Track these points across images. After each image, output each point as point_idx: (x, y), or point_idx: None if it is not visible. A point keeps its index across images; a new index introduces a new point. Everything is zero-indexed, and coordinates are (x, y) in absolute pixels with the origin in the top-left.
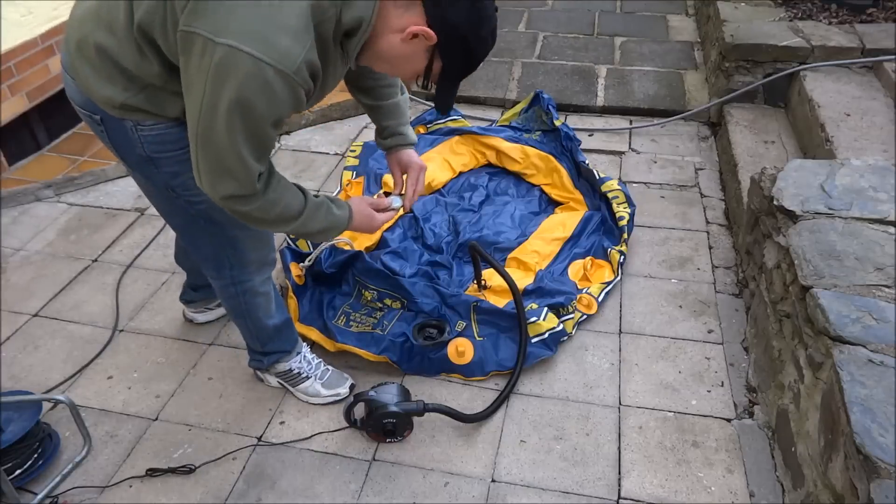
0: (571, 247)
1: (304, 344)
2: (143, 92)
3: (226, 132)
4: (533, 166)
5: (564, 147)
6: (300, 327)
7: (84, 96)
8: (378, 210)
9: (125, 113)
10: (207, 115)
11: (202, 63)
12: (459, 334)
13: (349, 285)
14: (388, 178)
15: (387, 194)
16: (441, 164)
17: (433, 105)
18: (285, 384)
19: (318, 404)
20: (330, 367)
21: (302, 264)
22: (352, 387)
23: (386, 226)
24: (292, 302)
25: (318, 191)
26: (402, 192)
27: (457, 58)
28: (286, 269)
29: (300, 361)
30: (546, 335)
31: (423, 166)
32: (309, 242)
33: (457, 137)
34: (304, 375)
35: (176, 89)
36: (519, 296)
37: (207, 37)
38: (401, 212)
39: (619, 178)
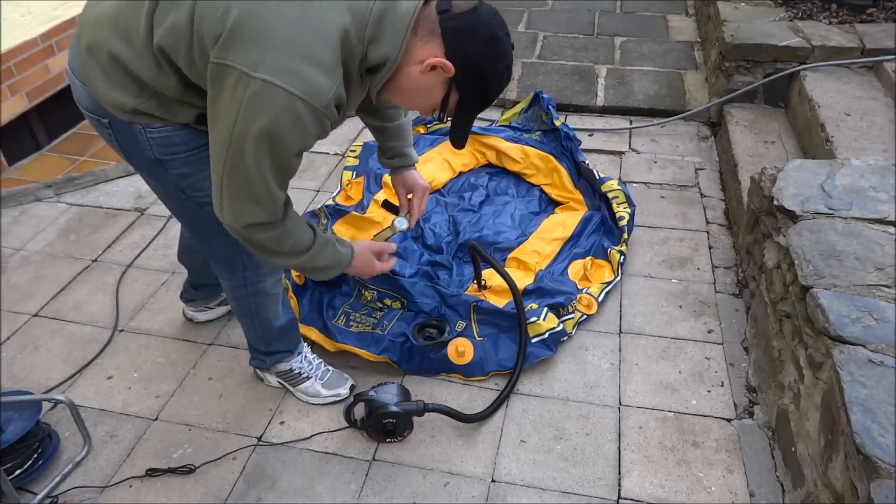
0: (571, 247)
1: (305, 344)
2: (155, 98)
3: (254, 161)
4: (533, 166)
5: (564, 147)
6: (300, 327)
7: (92, 99)
8: (380, 254)
9: (135, 117)
10: (238, 145)
11: (235, 95)
12: (459, 334)
13: (349, 285)
14: (387, 179)
15: (388, 205)
16: (441, 163)
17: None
18: (285, 384)
19: (319, 405)
20: (331, 368)
21: None
22: (352, 387)
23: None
24: (292, 301)
25: (318, 190)
26: (408, 212)
27: (473, 91)
28: (286, 269)
29: (301, 361)
30: (546, 335)
31: (427, 187)
32: None
33: None
34: (304, 375)
35: (190, 101)
36: (519, 296)
37: (243, 70)
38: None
39: (619, 178)
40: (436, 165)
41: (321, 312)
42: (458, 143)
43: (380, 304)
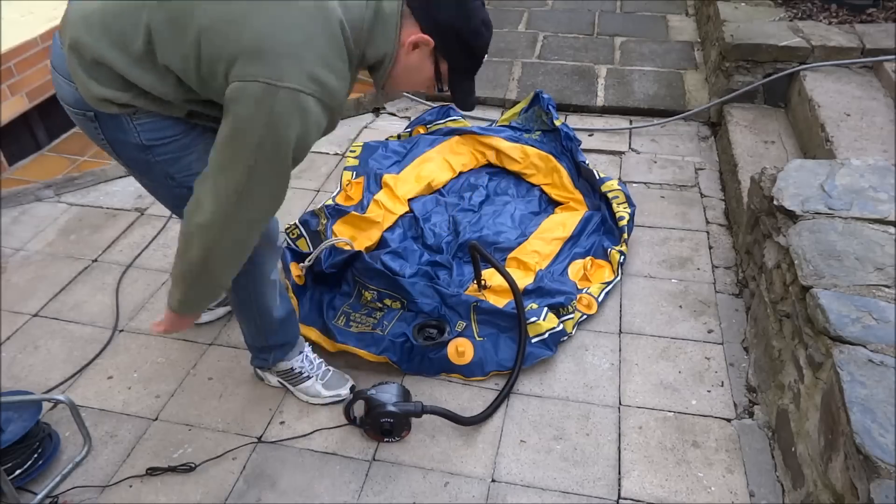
0: (571, 247)
1: (307, 343)
2: (147, 97)
3: (285, 165)
4: (533, 166)
5: (564, 147)
6: (300, 327)
7: (77, 95)
8: None
9: (123, 110)
10: (272, 153)
11: (262, 106)
12: (459, 334)
13: (349, 285)
14: (387, 179)
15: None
16: (441, 163)
17: (435, 105)
18: (286, 383)
19: (319, 405)
20: (331, 368)
21: (302, 264)
22: (352, 388)
23: (386, 225)
24: (293, 302)
25: (318, 190)
26: None
27: (458, 54)
28: (286, 269)
29: (302, 361)
30: (546, 335)
31: None
32: (309, 242)
33: (457, 137)
34: (305, 375)
35: (187, 97)
36: (519, 296)
37: (269, 83)
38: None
39: (619, 178)
40: (436, 165)
41: (321, 312)
42: (465, 106)
43: (380, 305)
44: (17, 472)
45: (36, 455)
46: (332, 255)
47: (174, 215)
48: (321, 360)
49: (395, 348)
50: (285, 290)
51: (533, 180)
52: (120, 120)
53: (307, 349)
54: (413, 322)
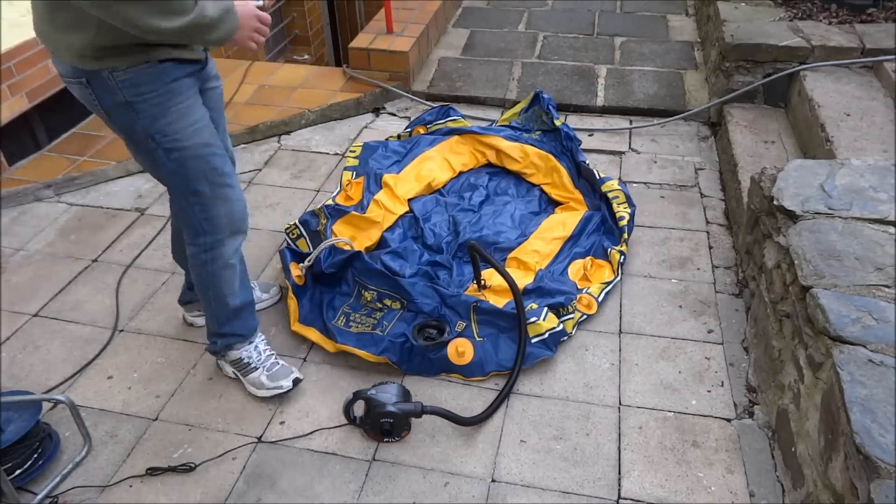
0: (572, 246)
1: (261, 335)
2: (100, 29)
3: None
4: (533, 165)
5: (564, 147)
6: (300, 328)
7: (68, 66)
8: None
9: (101, 61)
10: None
11: None
12: (459, 334)
13: (349, 285)
14: (387, 178)
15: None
16: (441, 163)
17: (435, 105)
18: (238, 374)
19: (262, 397)
20: (280, 361)
21: (301, 265)
22: (295, 381)
23: (386, 225)
24: (292, 303)
25: (318, 190)
26: None
27: None
28: (286, 270)
29: (250, 351)
30: (546, 335)
31: None
32: (308, 242)
33: (456, 137)
34: (252, 366)
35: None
36: (519, 296)
37: None
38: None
39: (619, 178)
40: (436, 164)
41: (321, 313)
42: None
43: (379, 305)
44: (17, 472)
45: (36, 455)
46: (332, 254)
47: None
48: (272, 352)
49: (394, 349)
50: (248, 278)
51: (533, 180)
52: (104, 80)
53: (259, 340)
54: (413, 322)
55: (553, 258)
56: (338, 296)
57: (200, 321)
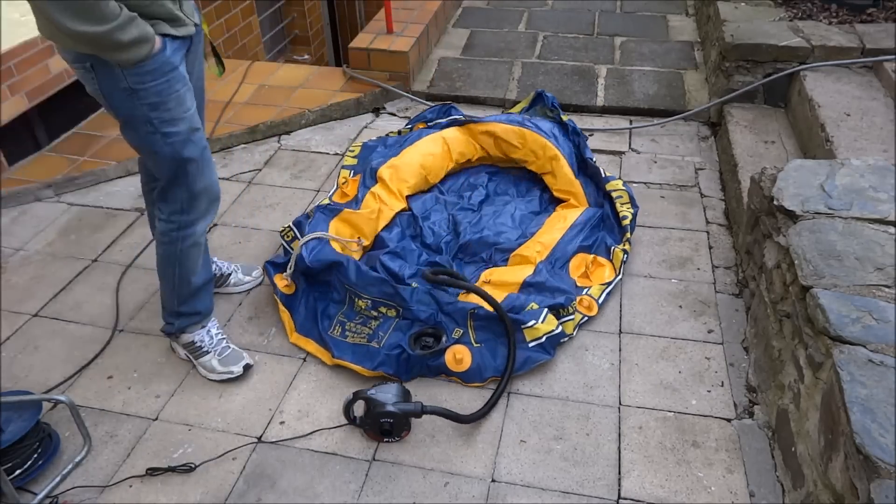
0: (575, 235)
1: (213, 319)
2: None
3: None
4: (532, 153)
5: (572, 142)
6: (298, 338)
7: (71, 53)
8: None
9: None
10: None
11: None
12: (456, 342)
13: (339, 293)
14: (382, 173)
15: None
16: (439, 145)
17: (436, 105)
18: (190, 357)
19: (214, 380)
20: (231, 346)
21: (285, 274)
22: (246, 367)
23: (383, 224)
24: (285, 315)
25: (318, 191)
26: None
27: None
28: (272, 284)
29: (203, 335)
30: (543, 339)
31: None
32: (287, 247)
33: (455, 127)
34: (204, 350)
35: None
36: (502, 310)
37: None
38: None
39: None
40: (434, 146)
41: (316, 322)
42: None
43: (374, 313)
44: (17, 472)
45: (36, 455)
46: (318, 249)
47: (149, 169)
48: (224, 336)
49: (390, 361)
50: (209, 256)
51: (532, 167)
52: (110, 66)
53: (211, 324)
54: (409, 331)
55: (555, 245)
56: (331, 303)
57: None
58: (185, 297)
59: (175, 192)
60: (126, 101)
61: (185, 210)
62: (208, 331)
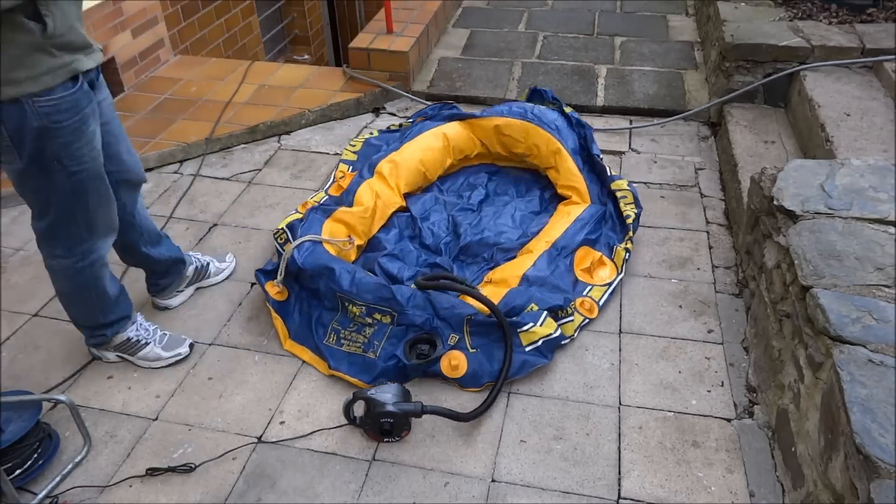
0: (581, 227)
1: (139, 313)
2: (21, 56)
3: None
4: (535, 147)
5: (576, 132)
6: (292, 346)
7: None
8: None
9: (19, 86)
10: None
11: None
12: (452, 347)
13: (330, 300)
14: (381, 168)
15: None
16: (439, 139)
17: (436, 104)
18: (125, 355)
19: (162, 367)
20: (167, 332)
21: (276, 280)
22: (191, 345)
23: (379, 224)
24: (278, 322)
25: (318, 191)
26: None
27: None
28: (264, 292)
29: (137, 329)
30: (539, 343)
31: None
32: (280, 249)
33: (456, 122)
34: (143, 342)
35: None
36: (500, 313)
37: None
38: None
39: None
40: (432, 135)
41: (311, 330)
42: None
43: (369, 320)
44: (17, 472)
45: (36, 455)
46: (311, 249)
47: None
48: (156, 325)
49: (387, 373)
50: (110, 270)
51: (535, 161)
52: (20, 105)
53: (139, 317)
54: (405, 338)
55: (560, 236)
56: (324, 311)
57: (175, 301)
58: (110, 307)
59: (71, 228)
60: (35, 140)
61: (85, 239)
62: (140, 324)
